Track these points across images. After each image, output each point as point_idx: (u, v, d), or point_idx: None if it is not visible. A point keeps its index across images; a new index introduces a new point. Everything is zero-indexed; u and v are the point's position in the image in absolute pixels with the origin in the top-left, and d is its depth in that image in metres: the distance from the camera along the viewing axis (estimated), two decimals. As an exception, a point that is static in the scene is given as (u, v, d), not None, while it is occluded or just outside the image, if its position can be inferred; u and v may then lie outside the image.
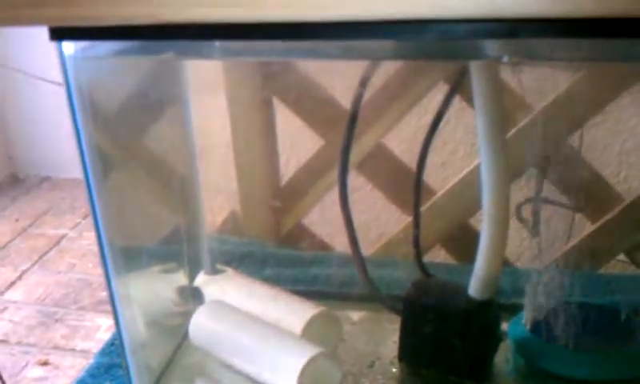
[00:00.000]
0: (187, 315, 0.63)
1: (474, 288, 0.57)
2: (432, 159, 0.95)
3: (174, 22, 0.36)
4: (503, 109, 0.50)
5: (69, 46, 0.44)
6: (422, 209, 0.82)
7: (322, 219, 0.85)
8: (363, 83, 0.56)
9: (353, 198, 0.93)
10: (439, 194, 0.82)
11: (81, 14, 0.37)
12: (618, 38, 0.34)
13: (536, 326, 0.60)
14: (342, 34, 0.37)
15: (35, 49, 1.28)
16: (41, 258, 1.30)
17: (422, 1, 0.32)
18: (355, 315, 0.70)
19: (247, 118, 0.79)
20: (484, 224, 0.55)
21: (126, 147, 0.59)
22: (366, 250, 0.86)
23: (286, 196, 0.83)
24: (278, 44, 0.41)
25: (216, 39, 0.40)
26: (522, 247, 0.86)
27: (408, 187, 0.66)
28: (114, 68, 0.52)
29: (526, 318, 0.61)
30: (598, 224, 0.78)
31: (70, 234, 1.39)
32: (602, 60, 0.49)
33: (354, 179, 0.85)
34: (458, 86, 0.56)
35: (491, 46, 0.41)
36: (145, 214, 0.63)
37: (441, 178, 0.93)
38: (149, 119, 0.60)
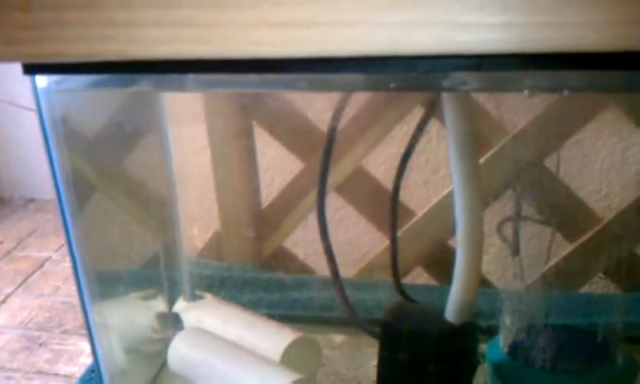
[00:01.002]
0: (166, 342, 0.63)
1: (451, 312, 0.58)
2: (414, 178, 0.96)
3: (144, 59, 0.36)
4: (474, 137, 0.50)
5: (42, 79, 0.44)
6: (402, 230, 0.83)
7: (304, 242, 0.86)
8: (338, 112, 0.57)
9: (335, 218, 0.93)
10: (419, 215, 0.83)
11: (51, 51, 0.37)
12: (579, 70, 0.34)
13: (513, 349, 0.61)
14: (309, 68, 0.38)
15: (15, 74, 1.28)
16: (25, 280, 1.29)
17: (384, 39, 0.33)
18: (336, 339, 0.70)
19: (227, 143, 0.80)
20: (458, 249, 0.56)
21: (103, 174, 0.59)
22: (348, 272, 0.87)
23: (267, 219, 0.84)
24: (251, 76, 0.42)
25: (187, 73, 0.40)
26: (500, 268, 0.87)
27: (388, 209, 0.66)
28: (89, 99, 0.52)
29: (503, 340, 0.62)
30: (575, 244, 0.79)
31: (53, 257, 1.39)
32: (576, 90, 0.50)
33: (336, 200, 0.86)
34: (433, 111, 0.56)
35: (461, 78, 0.42)
36: (123, 240, 0.63)
37: (423, 196, 0.94)
38: (125, 147, 0.60)
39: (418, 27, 0.32)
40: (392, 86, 0.41)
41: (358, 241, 0.94)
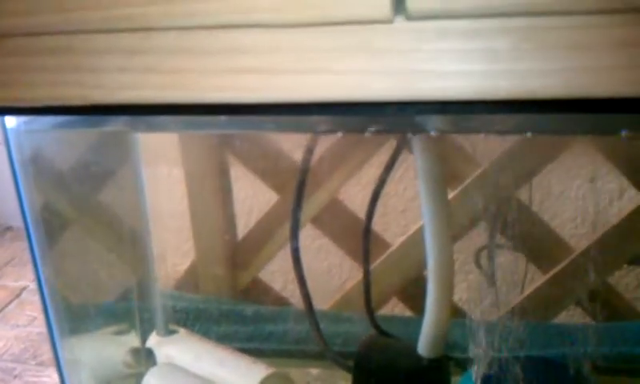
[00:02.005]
0: (138, 377, 0.62)
1: (423, 346, 0.58)
2: (394, 205, 0.96)
3: (107, 104, 0.36)
4: (443, 174, 0.51)
5: (11, 120, 0.45)
6: (378, 261, 0.83)
7: (280, 273, 0.86)
8: (310, 147, 0.57)
9: (312, 248, 0.93)
10: (395, 245, 0.83)
11: (18, 95, 0.37)
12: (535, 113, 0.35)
13: (486, 382, 0.61)
14: (276, 111, 0.38)
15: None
16: (1, 310, 1.28)
17: (346, 86, 0.33)
18: (311, 372, 0.70)
19: (202, 175, 0.80)
20: (429, 284, 0.56)
21: (74, 210, 0.59)
22: (325, 304, 0.87)
23: (243, 251, 0.84)
24: (219, 117, 0.42)
25: (153, 114, 0.41)
26: (477, 297, 0.87)
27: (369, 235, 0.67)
28: (60, 137, 0.52)
29: (475, 373, 0.62)
30: (548, 275, 0.79)
31: (30, 286, 1.37)
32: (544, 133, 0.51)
33: (313, 230, 0.86)
34: (402, 147, 0.57)
35: (426, 121, 0.43)
36: (95, 275, 0.63)
37: (402, 224, 0.94)
38: (97, 184, 0.60)
39: (379, 75, 0.33)
40: (357, 127, 0.41)
41: (335, 272, 0.94)
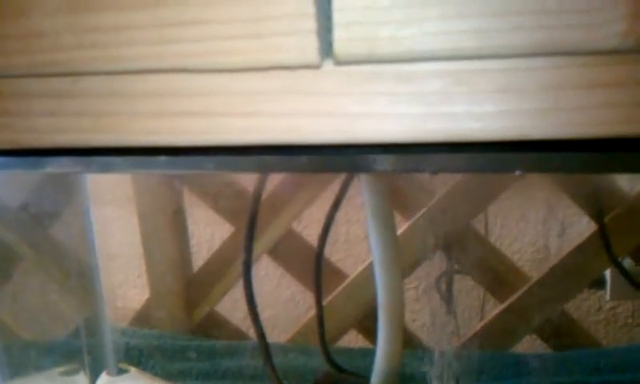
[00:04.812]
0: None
1: (376, 380, 0.58)
2: (355, 232, 0.96)
3: (39, 147, 0.36)
4: (391, 211, 0.51)
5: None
6: (335, 292, 0.83)
7: (237, 306, 0.85)
8: (261, 181, 0.57)
9: (271, 280, 0.93)
10: (351, 276, 0.83)
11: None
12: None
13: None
14: (212, 152, 0.38)
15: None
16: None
17: (280, 129, 0.33)
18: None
19: (155, 208, 0.79)
20: (380, 319, 0.56)
21: (21, 248, 0.57)
22: (284, 336, 0.86)
23: (199, 284, 0.83)
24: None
25: (87, 156, 0.40)
26: (435, 327, 0.87)
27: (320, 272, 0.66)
28: (5, 178, 0.51)
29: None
30: (505, 304, 0.80)
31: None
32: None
33: (272, 262, 0.85)
34: (350, 183, 0.57)
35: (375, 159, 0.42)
36: (43, 313, 0.61)
37: (364, 251, 0.94)
38: (45, 221, 0.59)
39: (309, 118, 0.32)
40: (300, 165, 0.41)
41: (295, 303, 0.93)
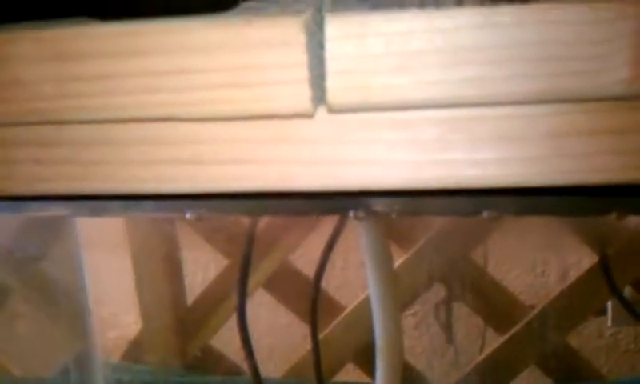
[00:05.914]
0: None
1: (374, 421, 0.56)
2: (353, 260, 0.95)
3: (22, 194, 0.34)
4: (388, 252, 0.50)
5: None
6: (332, 325, 0.81)
7: (232, 340, 0.83)
8: (252, 231, 0.56)
9: (267, 314, 0.91)
10: (348, 309, 0.82)
11: None
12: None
13: None
14: (203, 199, 0.37)
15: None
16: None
17: (269, 177, 0.32)
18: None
19: (148, 242, 0.77)
20: (377, 354, 0.55)
21: (11, 286, 0.56)
22: (280, 371, 0.84)
23: (193, 317, 0.81)
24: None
25: (75, 200, 0.39)
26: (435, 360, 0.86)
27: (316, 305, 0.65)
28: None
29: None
30: (505, 336, 0.78)
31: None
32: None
33: (265, 297, 0.84)
34: (343, 226, 0.56)
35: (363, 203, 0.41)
36: (32, 350, 0.60)
37: (362, 278, 0.93)
38: (34, 260, 0.58)
39: (302, 166, 0.31)
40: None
41: (290, 333, 0.92)
